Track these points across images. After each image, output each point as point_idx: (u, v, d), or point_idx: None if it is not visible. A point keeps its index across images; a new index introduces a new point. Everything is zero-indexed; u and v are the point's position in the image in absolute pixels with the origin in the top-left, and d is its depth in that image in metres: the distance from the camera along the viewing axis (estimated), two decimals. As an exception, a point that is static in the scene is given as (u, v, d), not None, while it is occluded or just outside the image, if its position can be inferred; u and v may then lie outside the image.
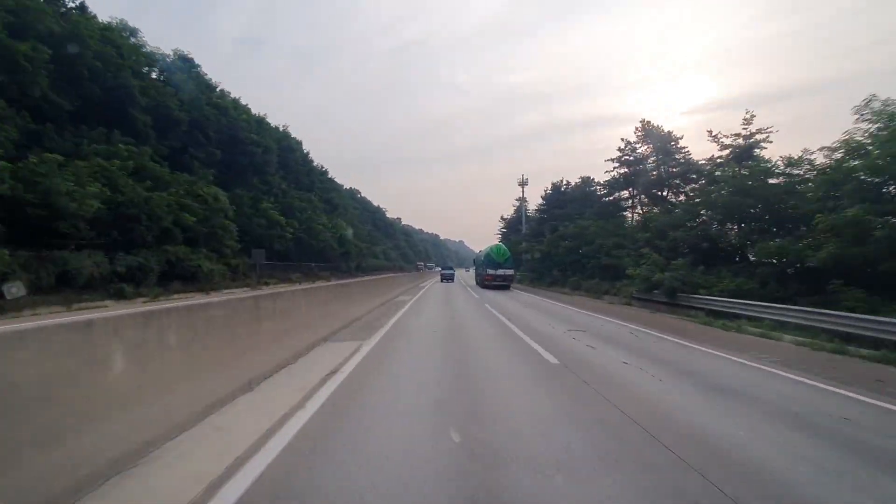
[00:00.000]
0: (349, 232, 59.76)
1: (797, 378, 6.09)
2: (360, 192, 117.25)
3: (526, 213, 52.99)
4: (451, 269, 51.46)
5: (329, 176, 65.28)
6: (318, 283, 21.65)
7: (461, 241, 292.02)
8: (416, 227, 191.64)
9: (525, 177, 52.58)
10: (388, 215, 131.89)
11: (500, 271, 27.99)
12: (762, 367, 6.74)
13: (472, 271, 71.64)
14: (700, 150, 53.55)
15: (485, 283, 28.93)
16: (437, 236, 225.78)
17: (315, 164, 61.60)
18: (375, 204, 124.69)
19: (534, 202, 59.88)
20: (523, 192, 52.53)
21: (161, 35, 70.69)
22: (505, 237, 61.66)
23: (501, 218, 64.61)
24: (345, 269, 59.61)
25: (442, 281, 42.36)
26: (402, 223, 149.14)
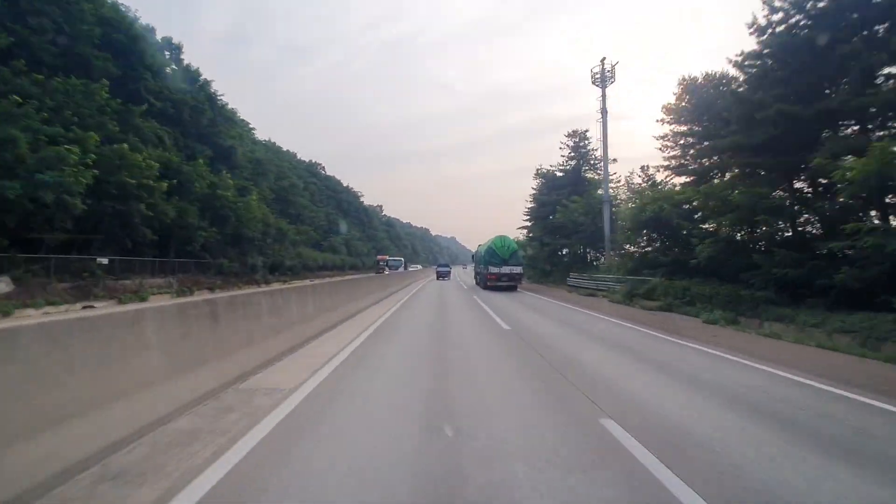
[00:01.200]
0: (251, 199, 30.64)
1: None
2: (322, 167, 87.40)
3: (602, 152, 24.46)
4: (447, 266, 46.53)
5: (227, 106, 35.79)
6: None
7: (453, 238, 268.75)
8: (404, 221, 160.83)
9: (612, 64, 24.07)
10: (364, 201, 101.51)
11: (506, 269, 21.55)
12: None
13: (469, 269, 57.03)
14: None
15: (487, 283, 22.14)
16: (427, 231, 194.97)
17: (215, 97, 32.02)
18: (345, 184, 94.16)
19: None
20: (604, 94, 24.05)
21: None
22: (543, 203, 33.25)
23: (537, 173, 36.09)
24: (238, 268, 30.39)
25: (438, 279, 36.85)
26: (386, 215, 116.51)
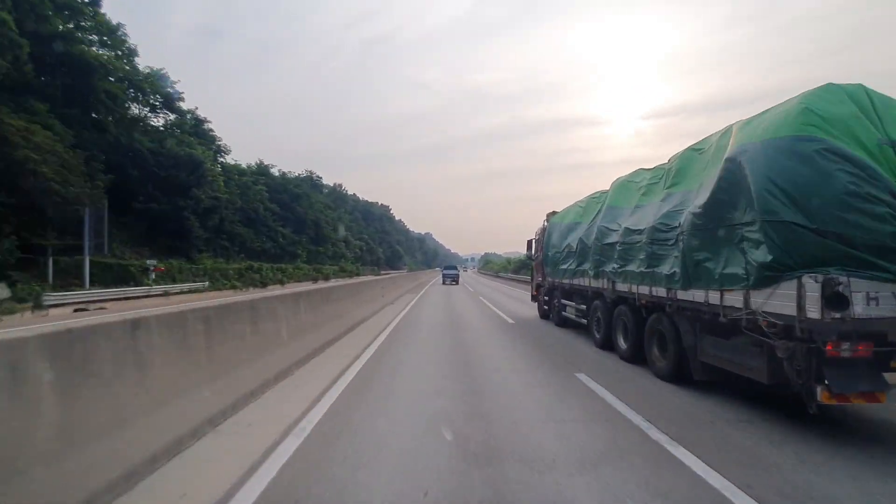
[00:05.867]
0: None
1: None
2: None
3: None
4: (454, 268, 40.79)
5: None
6: None
7: (429, 233, 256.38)
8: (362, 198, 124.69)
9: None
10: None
11: None
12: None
13: (471, 271, 44.37)
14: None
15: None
16: (386, 209, 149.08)
17: None
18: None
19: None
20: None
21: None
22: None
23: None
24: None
25: (444, 283, 33.26)
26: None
